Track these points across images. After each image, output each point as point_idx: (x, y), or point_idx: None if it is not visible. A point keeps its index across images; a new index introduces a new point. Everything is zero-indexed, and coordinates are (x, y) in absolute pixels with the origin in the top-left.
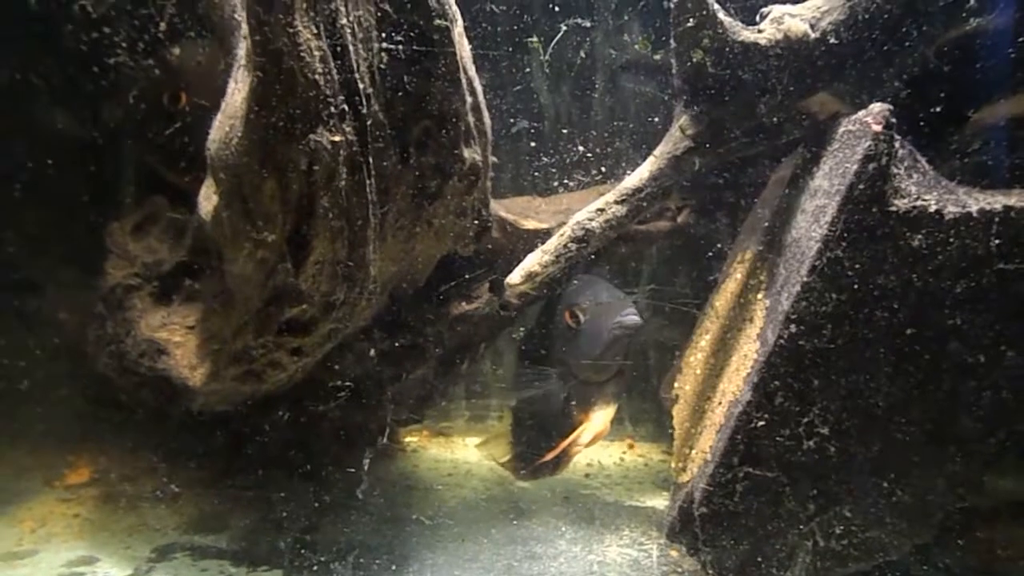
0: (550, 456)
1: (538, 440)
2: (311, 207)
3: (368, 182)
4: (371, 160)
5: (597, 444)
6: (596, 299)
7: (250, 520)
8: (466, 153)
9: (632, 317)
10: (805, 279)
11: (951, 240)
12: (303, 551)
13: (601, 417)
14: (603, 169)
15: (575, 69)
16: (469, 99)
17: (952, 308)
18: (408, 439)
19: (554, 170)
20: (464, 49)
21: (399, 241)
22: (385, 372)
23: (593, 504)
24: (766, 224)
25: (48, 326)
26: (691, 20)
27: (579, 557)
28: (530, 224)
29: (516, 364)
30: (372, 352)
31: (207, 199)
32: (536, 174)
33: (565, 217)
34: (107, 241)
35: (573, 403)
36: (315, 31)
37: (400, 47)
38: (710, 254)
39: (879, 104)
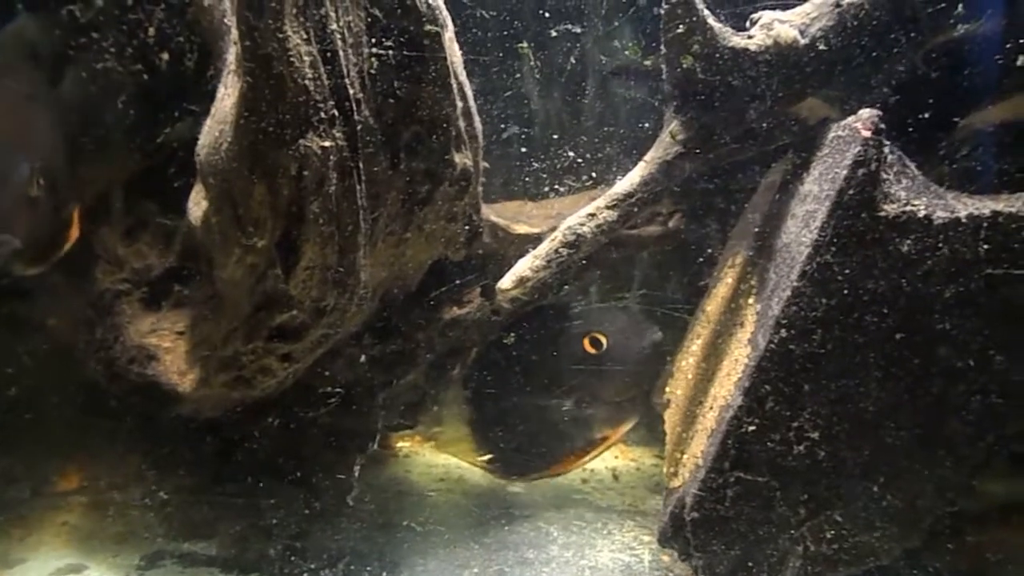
0: (575, 466)
1: (520, 441)
2: (301, 213)
3: (358, 187)
4: (361, 165)
5: None
6: (611, 322)
7: (240, 527)
8: (457, 158)
9: (658, 332)
10: (795, 284)
11: (940, 245)
12: (293, 558)
13: (624, 430)
14: (594, 175)
15: (565, 74)
16: (460, 104)
17: (941, 313)
18: (400, 444)
19: (545, 175)
20: (455, 54)
21: (390, 246)
22: (376, 378)
23: (585, 509)
24: (756, 229)
25: (37, 332)
26: (681, 26)
27: (571, 562)
28: (521, 229)
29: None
30: (363, 358)
31: (196, 204)
32: (527, 179)
33: (556, 222)
34: (96, 246)
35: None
36: (305, 36)
37: (390, 52)
38: (701, 259)
39: (868, 110)
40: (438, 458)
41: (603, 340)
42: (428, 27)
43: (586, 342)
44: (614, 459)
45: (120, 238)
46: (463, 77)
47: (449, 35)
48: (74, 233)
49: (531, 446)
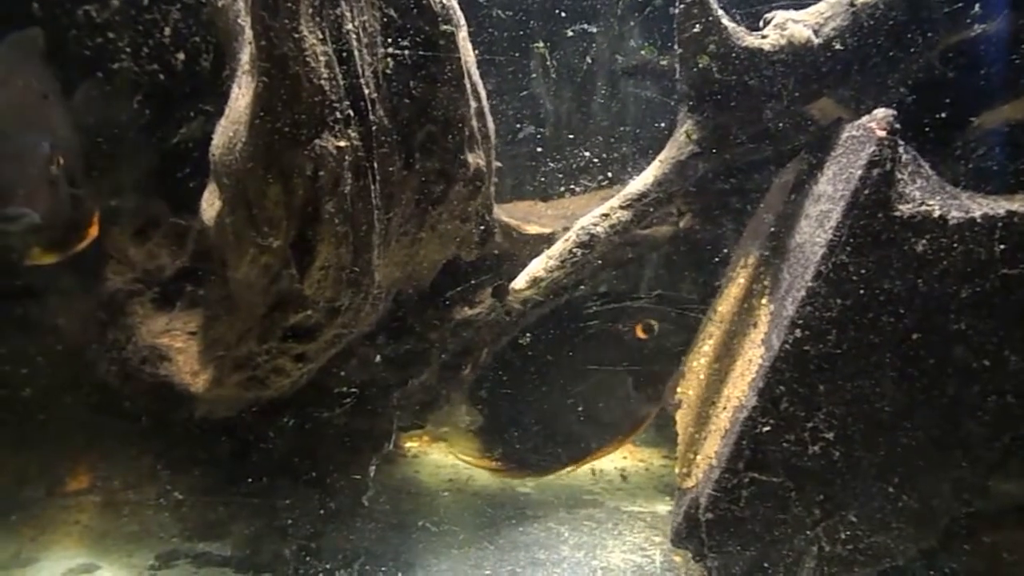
0: (601, 456)
1: (531, 438)
2: (316, 213)
3: (373, 187)
4: (376, 165)
5: None
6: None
7: (254, 527)
8: (470, 158)
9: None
10: (810, 284)
11: (955, 245)
12: (308, 558)
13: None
14: (608, 174)
15: (580, 74)
16: (473, 104)
17: (956, 313)
18: (409, 444)
19: (560, 175)
20: (468, 54)
21: (403, 246)
22: (389, 377)
23: (596, 509)
24: (770, 229)
25: (49, 333)
26: (696, 26)
27: (583, 563)
28: (533, 229)
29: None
30: (376, 357)
31: (210, 204)
32: (541, 179)
33: (568, 221)
34: (107, 246)
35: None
36: (320, 36)
37: (405, 52)
38: (714, 259)
39: (883, 109)
40: (447, 458)
41: (655, 325)
42: (443, 27)
43: (638, 328)
44: (623, 459)
45: (132, 238)
46: (477, 77)
47: (463, 35)
48: (93, 232)
49: (585, 426)
